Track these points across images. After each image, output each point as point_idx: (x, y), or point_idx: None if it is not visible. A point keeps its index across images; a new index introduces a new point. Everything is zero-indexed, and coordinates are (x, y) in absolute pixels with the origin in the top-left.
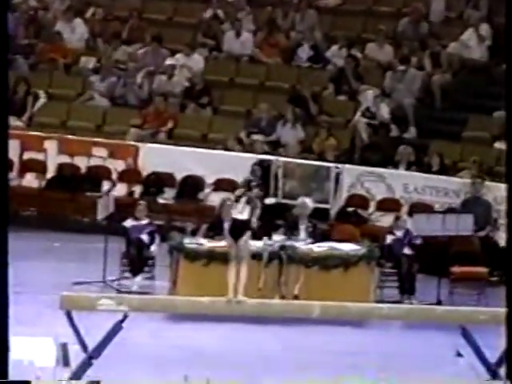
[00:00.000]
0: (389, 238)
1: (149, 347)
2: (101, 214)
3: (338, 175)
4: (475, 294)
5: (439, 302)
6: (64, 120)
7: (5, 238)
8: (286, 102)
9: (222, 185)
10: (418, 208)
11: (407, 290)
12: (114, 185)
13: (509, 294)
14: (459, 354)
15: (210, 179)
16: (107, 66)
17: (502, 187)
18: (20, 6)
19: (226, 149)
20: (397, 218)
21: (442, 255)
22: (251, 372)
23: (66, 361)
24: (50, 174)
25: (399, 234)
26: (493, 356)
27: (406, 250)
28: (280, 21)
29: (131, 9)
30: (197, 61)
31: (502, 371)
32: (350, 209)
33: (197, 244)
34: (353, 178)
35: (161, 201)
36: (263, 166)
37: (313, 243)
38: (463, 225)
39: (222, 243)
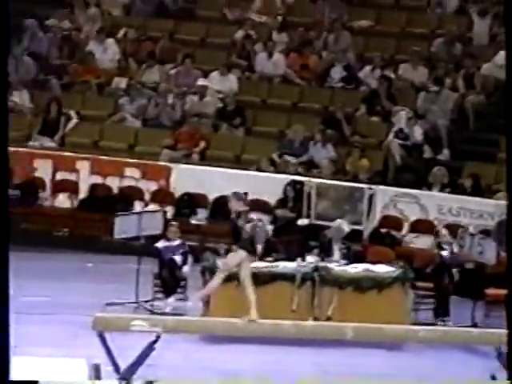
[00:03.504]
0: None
1: (182, 369)
2: (118, 234)
3: (371, 196)
4: None
5: (475, 325)
6: (96, 140)
7: (5, 251)
8: (319, 123)
9: (254, 206)
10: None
11: (442, 312)
12: (146, 205)
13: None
14: (493, 377)
15: None
16: (138, 87)
17: None
18: (53, 27)
19: (259, 170)
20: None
21: (477, 277)
22: None
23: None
24: (82, 195)
25: (445, 253)
26: None
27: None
28: (313, 42)
29: (163, 29)
30: (230, 81)
31: None
32: (384, 230)
33: None
34: (386, 199)
35: (193, 221)
36: (296, 187)
37: (347, 264)
38: None
39: (255, 264)
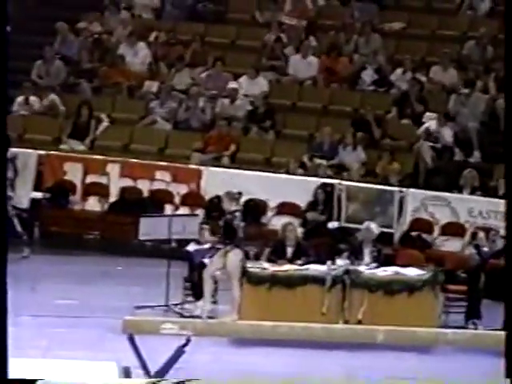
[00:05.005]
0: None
1: (212, 372)
2: (143, 236)
3: (401, 199)
4: None
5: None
6: (126, 143)
7: (4, 257)
8: (350, 125)
9: (284, 209)
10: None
11: (474, 315)
12: (176, 209)
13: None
14: None
15: (272, 203)
16: (168, 91)
17: None
18: (84, 30)
19: (289, 172)
20: (473, 237)
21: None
22: None
23: None
24: (112, 198)
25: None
26: None
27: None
28: (343, 44)
29: (194, 33)
30: (260, 84)
31: None
32: (414, 233)
33: (260, 268)
34: (417, 202)
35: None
36: (326, 190)
37: (377, 268)
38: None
39: (286, 267)
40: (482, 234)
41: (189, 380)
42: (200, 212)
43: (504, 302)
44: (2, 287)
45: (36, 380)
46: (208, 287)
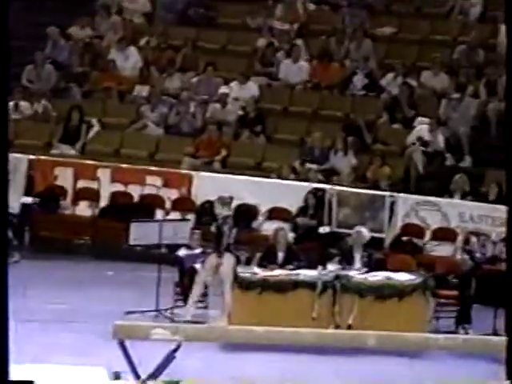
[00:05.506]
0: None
1: (202, 377)
2: (133, 241)
3: (392, 204)
4: None
5: (495, 333)
6: (117, 148)
7: (4, 262)
8: (340, 130)
9: (275, 214)
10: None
11: (464, 319)
12: (167, 214)
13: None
14: None
15: (263, 208)
16: (159, 95)
17: None
18: (75, 35)
19: (280, 177)
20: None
21: (500, 284)
22: None
23: None
24: (103, 203)
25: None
26: None
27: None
28: (334, 49)
29: (185, 37)
30: (251, 89)
31: None
32: (405, 238)
33: (250, 273)
34: (408, 206)
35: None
36: (317, 195)
37: (368, 272)
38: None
39: (276, 272)
40: (474, 239)
41: (178, 381)
42: (191, 217)
43: (505, 308)
44: (3, 291)
45: (32, 382)
46: (196, 291)
